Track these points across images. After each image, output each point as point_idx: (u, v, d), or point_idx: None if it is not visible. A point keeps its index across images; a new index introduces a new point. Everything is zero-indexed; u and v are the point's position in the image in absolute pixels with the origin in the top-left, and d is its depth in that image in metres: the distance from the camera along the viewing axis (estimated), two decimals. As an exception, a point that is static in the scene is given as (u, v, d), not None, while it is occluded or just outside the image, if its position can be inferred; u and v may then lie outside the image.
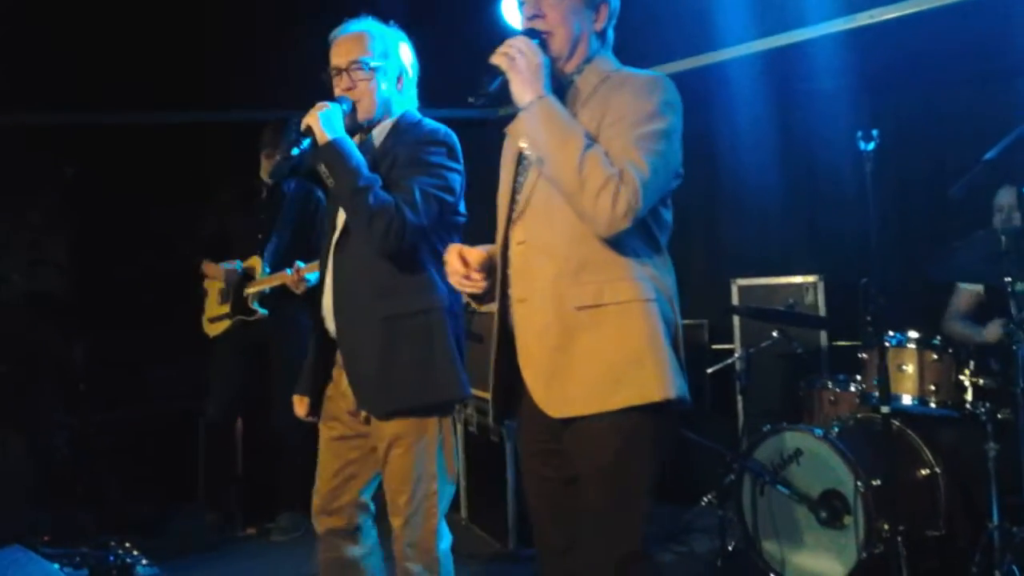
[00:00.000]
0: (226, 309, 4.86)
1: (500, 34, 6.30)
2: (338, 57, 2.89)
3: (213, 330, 4.95)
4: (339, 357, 2.93)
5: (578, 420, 2.22)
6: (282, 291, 4.57)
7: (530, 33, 2.30)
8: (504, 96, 2.25)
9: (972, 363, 3.76)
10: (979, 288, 4.27)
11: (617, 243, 2.21)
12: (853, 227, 4.58)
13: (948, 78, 4.52)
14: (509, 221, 2.37)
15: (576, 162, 2.14)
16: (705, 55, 5.02)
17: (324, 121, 2.77)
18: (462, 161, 2.88)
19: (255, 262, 4.80)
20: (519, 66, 2.22)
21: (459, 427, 5.06)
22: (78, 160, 5.60)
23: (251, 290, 4.74)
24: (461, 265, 2.36)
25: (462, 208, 2.92)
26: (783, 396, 4.65)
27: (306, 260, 4.43)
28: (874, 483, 3.59)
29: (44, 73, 5.36)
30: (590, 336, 2.22)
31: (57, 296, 5.78)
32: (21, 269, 5.89)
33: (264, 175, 4.94)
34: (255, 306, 4.73)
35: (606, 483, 2.22)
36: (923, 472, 3.79)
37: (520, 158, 2.41)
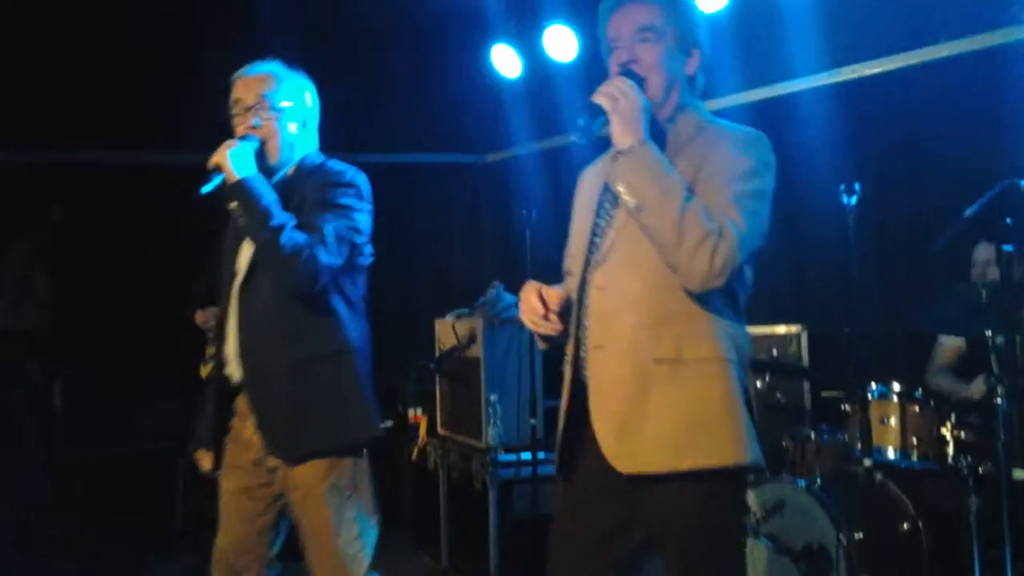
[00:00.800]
0: (212, 350, 4.84)
1: (492, 83, 6.37)
2: (245, 93, 2.85)
3: (204, 371, 4.92)
4: (240, 405, 2.85)
5: (650, 480, 2.16)
6: None
7: (628, 75, 2.24)
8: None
9: (953, 416, 3.77)
10: (961, 342, 4.29)
11: (702, 298, 2.17)
12: (837, 278, 4.61)
13: (931, 131, 4.57)
14: (588, 265, 2.31)
15: (677, 214, 2.08)
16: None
17: (235, 158, 2.70)
18: (370, 201, 2.85)
19: None
20: (621, 108, 2.16)
21: (441, 473, 5.04)
22: (68, 199, 5.62)
23: None
24: (540, 305, 2.26)
25: (369, 250, 2.89)
26: (767, 447, 4.63)
27: None
28: (857, 536, 3.57)
29: (35, 112, 5.38)
30: (666, 391, 2.16)
31: (39, 333, 5.76)
32: (4, 305, 5.88)
33: None
34: None
35: (687, 549, 2.17)
36: (905, 525, 3.77)
37: (600, 200, 2.37)
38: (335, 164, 2.88)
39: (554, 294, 2.29)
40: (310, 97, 2.95)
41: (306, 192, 2.79)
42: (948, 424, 3.76)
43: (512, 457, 4.59)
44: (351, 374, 2.76)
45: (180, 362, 5.01)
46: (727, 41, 4.96)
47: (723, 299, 2.21)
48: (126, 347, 5.58)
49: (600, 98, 2.17)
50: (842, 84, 4.72)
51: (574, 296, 2.35)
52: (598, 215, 2.38)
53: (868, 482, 3.67)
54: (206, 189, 2.70)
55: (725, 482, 2.16)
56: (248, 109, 2.83)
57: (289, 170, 2.89)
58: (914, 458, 3.78)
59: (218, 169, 2.70)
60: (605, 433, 2.20)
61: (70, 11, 5.08)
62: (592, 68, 5.28)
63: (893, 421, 3.83)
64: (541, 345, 2.48)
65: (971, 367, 4.16)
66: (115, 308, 5.67)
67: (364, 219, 2.82)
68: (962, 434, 3.73)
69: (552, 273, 2.54)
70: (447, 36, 5.66)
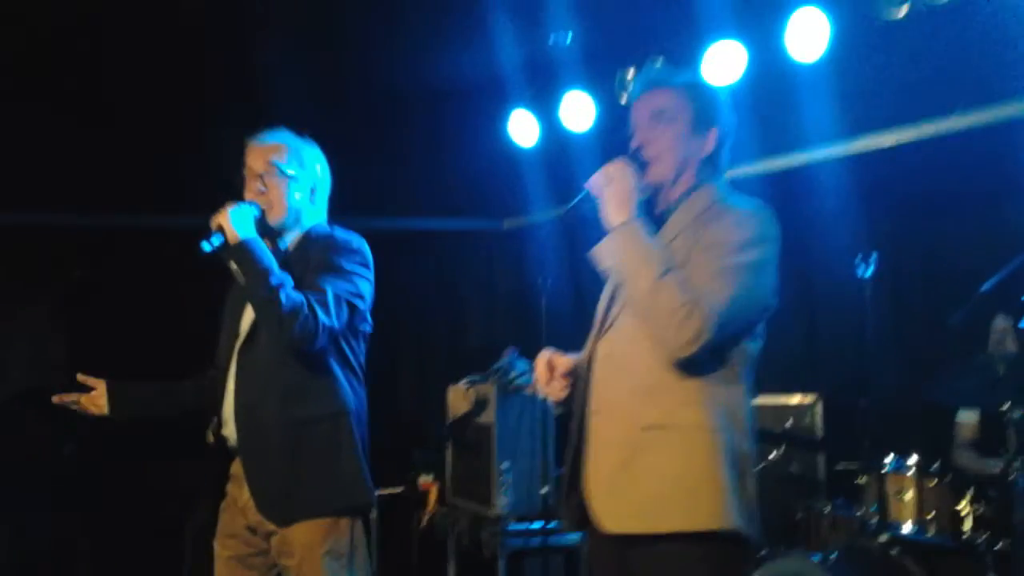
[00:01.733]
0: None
1: (508, 151, 6.41)
2: (255, 161, 2.92)
3: (210, 437, 4.90)
4: (235, 469, 2.87)
5: (629, 538, 2.25)
6: None
7: (634, 157, 2.39)
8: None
9: (971, 491, 3.71)
10: (975, 417, 4.25)
11: (694, 368, 2.23)
12: (852, 348, 4.57)
13: (947, 202, 4.57)
14: (599, 333, 2.43)
15: (650, 285, 2.20)
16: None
17: (235, 220, 2.76)
18: (372, 269, 2.90)
19: None
20: (613, 190, 2.31)
21: (450, 541, 4.99)
22: (86, 262, 5.67)
23: None
24: (547, 371, 2.43)
25: (369, 316, 2.92)
26: (781, 519, 4.56)
27: None
28: (872, 613, 3.50)
29: (55, 173, 5.45)
30: (653, 457, 2.25)
31: (53, 394, 5.77)
32: (21, 366, 5.90)
33: None
34: None
35: None
36: (923, 603, 3.70)
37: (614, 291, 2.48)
38: (340, 232, 2.94)
39: (562, 360, 2.44)
40: (320, 167, 3.02)
41: (312, 257, 2.84)
42: (966, 499, 3.70)
43: (523, 527, 4.54)
44: (347, 437, 2.78)
45: (194, 425, 4.99)
46: (742, 111, 4.98)
47: (717, 369, 2.27)
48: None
49: (593, 183, 2.35)
50: (857, 155, 4.72)
51: (584, 364, 2.45)
52: (617, 288, 2.46)
53: (884, 557, 3.60)
54: (206, 248, 2.77)
55: (708, 545, 2.20)
56: (257, 176, 2.90)
57: (295, 239, 2.95)
58: (931, 533, 3.71)
59: (220, 230, 2.76)
60: (595, 495, 2.32)
61: (83, 72, 5.17)
62: (609, 136, 5.36)
63: (909, 495, 3.77)
64: (555, 410, 2.59)
65: (991, 441, 4.11)
66: (129, 370, 5.69)
67: (365, 285, 2.86)
68: (980, 509, 3.67)
69: (567, 340, 2.59)
70: (465, 103, 5.71)
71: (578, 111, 5.47)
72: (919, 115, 4.49)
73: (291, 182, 2.91)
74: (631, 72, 5.21)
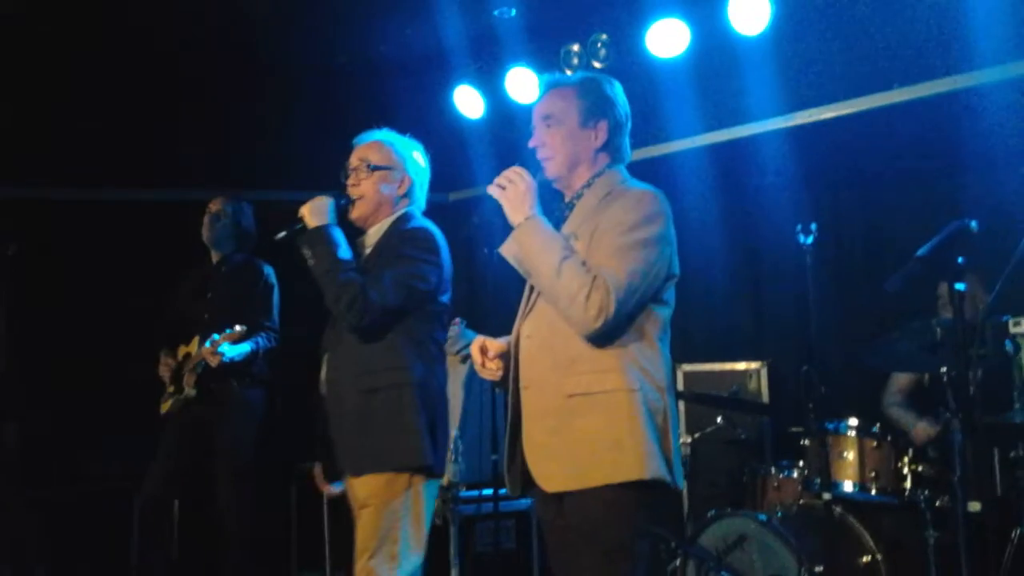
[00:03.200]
0: (171, 388, 4.80)
1: (454, 124, 6.38)
2: (352, 159, 3.30)
3: (163, 408, 4.86)
4: None
5: (568, 495, 2.50)
6: (225, 369, 4.53)
7: (527, 163, 2.71)
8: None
9: (911, 451, 3.85)
10: (909, 377, 4.39)
11: (606, 339, 2.48)
12: (796, 315, 4.69)
13: (886, 173, 4.70)
14: (523, 316, 2.67)
15: (554, 271, 2.47)
16: (653, 147, 5.18)
17: (315, 210, 3.15)
18: (441, 255, 3.20)
19: (195, 343, 4.72)
20: (508, 194, 2.60)
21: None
22: (21, 236, 5.55)
23: (186, 370, 4.68)
24: (480, 355, 2.69)
25: (444, 299, 3.23)
26: (728, 482, 4.68)
27: (252, 332, 4.47)
28: (817, 570, 3.62)
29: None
30: (581, 421, 2.49)
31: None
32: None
33: (209, 233, 4.90)
34: (191, 387, 4.65)
35: (591, 547, 2.47)
36: (865, 559, 3.83)
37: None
38: (414, 222, 3.25)
39: (494, 345, 2.71)
40: (415, 164, 3.36)
41: (385, 244, 3.20)
42: (905, 458, 3.84)
43: (474, 493, 4.59)
44: (409, 405, 3.06)
45: (137, 399, 4.95)
46: (685, 85, 5.08)
47: (630, 336, 2.52)
48: (81, 384, 5.51)
49: (491, 189, 2.64)
50: (798, 127, 4.83)
51: (512, 345, 2.70)
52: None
53: (828, 516, 3.73)
54: (280, 236, 3.19)
55: (632, 493, 2.44)
56: (353, 171, 3.28)
57: (383, 228, 3.27)
58: (873, 492, 3.85)
59: (301, 218, 3.16)
60: (533, 461, 2.56)
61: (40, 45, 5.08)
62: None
63: (851, 455, 3.90)
64: (496, 389, 2.96)
65: (925, 400, 4.26)
66: (68, 345, 5.61)
67: (429, 269, 3.15)
68: (919, 468, 3.81)
69: (512, 312, 2.75)
70: (410, 76, 5.70)
71: (523, 85, 5.49)
72: (859, 89, 4.60)
73: (380, 177, 3.26)
74: (575, 47, 5.27)
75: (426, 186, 3.42)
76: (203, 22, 5.04)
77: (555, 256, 2.48)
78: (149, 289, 5.18)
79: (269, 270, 4.89)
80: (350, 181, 3.27)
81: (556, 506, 2.56)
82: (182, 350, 4.75)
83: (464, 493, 4.60)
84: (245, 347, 4.57)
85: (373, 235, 3.28)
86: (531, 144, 2.73)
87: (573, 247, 2.53)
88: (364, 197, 3.25)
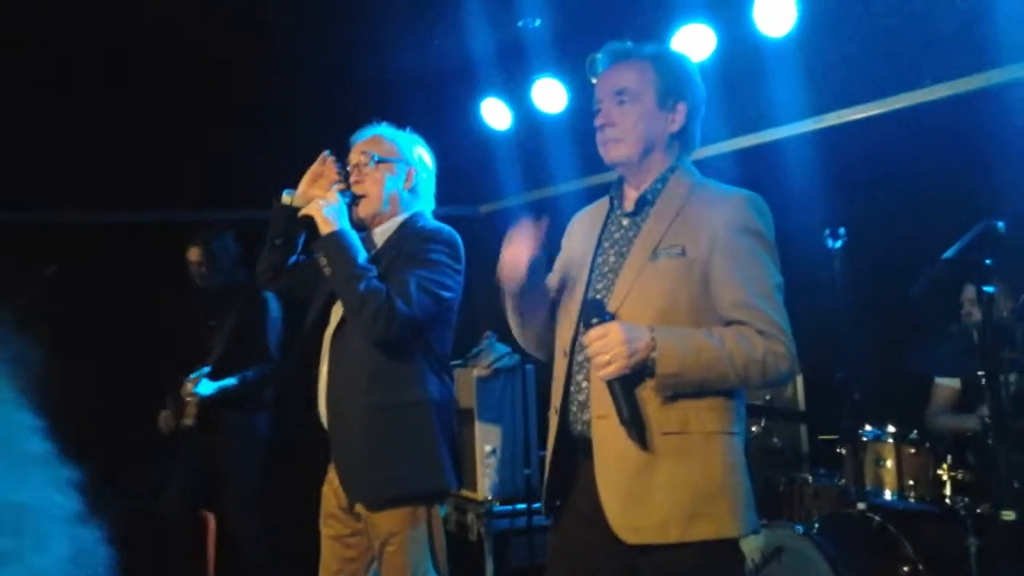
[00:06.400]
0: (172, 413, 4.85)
1: (483, 137, 6.38)
2: (353, 155, 3.05)
3: (161, 421, 4.90)
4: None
5: (655, 548, 2.20)
6: (218, 399, 4.56)
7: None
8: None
9: (950, 457, 3.77)
10: (956, 382, 4.30)
11: None
12: (828, 321, 4.62)
13: (915, 174, 4.63)
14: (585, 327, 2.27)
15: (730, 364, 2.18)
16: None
17: (328, 212, 2.87)
18: (463, 262, 2.96)
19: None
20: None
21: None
22: (59, 258, 5.62)
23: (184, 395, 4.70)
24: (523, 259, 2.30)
25: (455, 308, 2.99)
26: (764, 491, 4.62)
27: (250, 363, 4.45)
28: (856, 580, 3.56)
29: (26, 172, 5.40)
30: (672, 464, 2.20)
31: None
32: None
33: (197, 276, 4.91)
34: (191, 418, 4.66)
35: None
36: (905, 569, 3.75)
37: (597, 252, 2.41)
38: (432, 223, 3.01)
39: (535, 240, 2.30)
40: (419, 157, 3.10)
41: (402, 247, 2.92)
42: (944, 465, 3.76)
43: (508, 508, 4.57)
44: (427, 425, 2.85)
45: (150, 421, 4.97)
46: (712, 90, 5.02)
47: None
48: (111, 405, 5.57)
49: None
50: (825, 130, 4.77)
51: (566, 349, 2.37)
52: (593, 268, 2.41)
53: (865, 525, 3.66)
54: (280, 241, 3.06)
55: (729, 552, 2.22)
56: (355, 167, 3.01)
57: (392, 228, 3.02)
58: (911, 499, 3.77)
59: (309, 222, 2.91)
60: (612, 505, 2.22)
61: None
62: (581, 119, 5.37)
63: (889, 463, 3.83)
64: (509, 286, 2.39)
65: (970, 407, 4.17)
66: (106, 363, 5.66)
67: (452, 276, 2.91)
68: (959, 475, 3.73)
69: None
70: (437, 91, 5.71)
71: (550, 95, 5.48)
72: (887, 89, 4.53)
73: (385, 172, 3.01)
74: (600, 53, 5.23)
75: (433, 183, 3.16)
76: (225, 35, 5.07)
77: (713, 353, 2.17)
78: (179, 310, 5.21)
79: (269, 296, 4.85)
80: (353, 178, 3.01)
81: (624, 557, 2.24)
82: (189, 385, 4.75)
83: (498, 508, 4.58)
84: (227, 382, 4.57)
85: (380, 235, 3.03)
86: (598, 122, 2.37)
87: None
88: (370, 194, 3.00)
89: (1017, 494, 2.75)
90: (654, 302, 2.26)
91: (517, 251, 2.30)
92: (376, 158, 3.00)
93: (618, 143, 2.35)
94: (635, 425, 2.18)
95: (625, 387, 2.18)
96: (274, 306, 4.85)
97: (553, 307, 2.48)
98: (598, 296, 2.33)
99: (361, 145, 3.06)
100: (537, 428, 4.60)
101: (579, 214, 2.60)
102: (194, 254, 4.85)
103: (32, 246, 5.56)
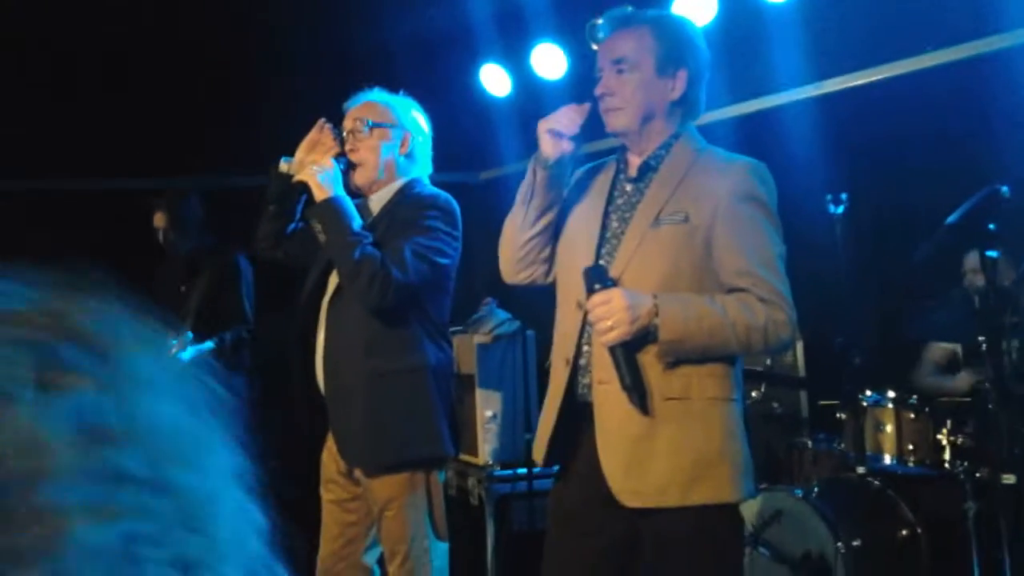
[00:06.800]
0: None
1: (482, 103, 6.34)
2: (347, 122, 3.01)
3: None
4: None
5: (656, 512, 2.25)
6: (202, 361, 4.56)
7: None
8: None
9: (949, 422, 3.79)
10: (954, 346, 4.31)
11: None
12: (829, 287, 4.63)
13: (918, 140, 4.60)
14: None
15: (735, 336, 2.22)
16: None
17: (323, 178, 2.82)
18: (460, 228, 2.95)
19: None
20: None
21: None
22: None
23: None
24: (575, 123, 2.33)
25: (453, 275, 2.98)
26: (764, 456, 4.64)
27: (227, 327, 4.46)
28: (855, 544, 3.58)
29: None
30: (674, 429, 2.23)
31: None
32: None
33: (165, 241, 4.87)
34: None
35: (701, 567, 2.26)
36: (904, 532, 3.78)
37: (606, 213, 2.41)
38: (431, 189, 2.99)
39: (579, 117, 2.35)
40: (415, 122, 3.06)
41: (397, 213, 2.91)
42: (944, 430, 3.78)
43: (508, 472, 4.60)
44: (425, 391, 2.86)
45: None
46: (712, 56, 5.00)
47: None
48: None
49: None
50: (827, 96, 4.75)
51: (581, 301, 2.34)
52: (604, 227, 2.41)
53: (864, 489, 3.69)
54: (273, 206, 3.00)
55: (730, 515, 2.30)
56: (349, 134, 2.97)
57: (389, 194, 3.00)
58: (911, 464, 3.79)
59: (304, 188, 2.89)
60: (613, 470, 2.25)
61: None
62: (581, 85, 5.34)
63: (889, 428, 3.84)
64: (546, 162, 2.40)
65: (958, 371, 4.19)
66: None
67: (449, 242, 2.89)
68: (958, 439, 3.75)
69: (545, 292, 2.57)
70: (436, 57, 5.68)
71: (550, 61, 5.45)
72: (889, 55, 4.51)
73: (380, 138, 2.98)
74: (601, 21, 5.19)
75: (429, 148, 3.12)
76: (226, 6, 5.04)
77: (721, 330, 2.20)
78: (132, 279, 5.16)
79: (241, 259, 4.83)
80: (348, 146, 2.96)
81: (625, 521, 2.29)
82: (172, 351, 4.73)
83: (498, 472, 4.61)
84: (206, 345, 4.56)
85: (376, 202, 3.01)
86: (597, 91, 2.36)
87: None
88: (366, 161, 2.96)
89: (1017, 458, 2.77)
90: (656, 269, 2.27)
91: (569, 115, 2.32)
92: (370, 124, 2.97)
93: (617, 112, 2.35)
94: (637, 391, 2.20)
95: (627, 353, 2.20)
96: (246, 268, 4.83)
97: (549, 240, 2.49)
98: (601, 262, 2.33)
99: (355, 111, 3.02)
100: (538, 393, 4.60)
101: (584, 168, 2.59)
102: (160, 220, 4.81)
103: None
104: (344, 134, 2.99)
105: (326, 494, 3.04)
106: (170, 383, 0.62)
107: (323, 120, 3.04)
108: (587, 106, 2.35)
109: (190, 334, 4.46)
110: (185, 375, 0.65)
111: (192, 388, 0.64)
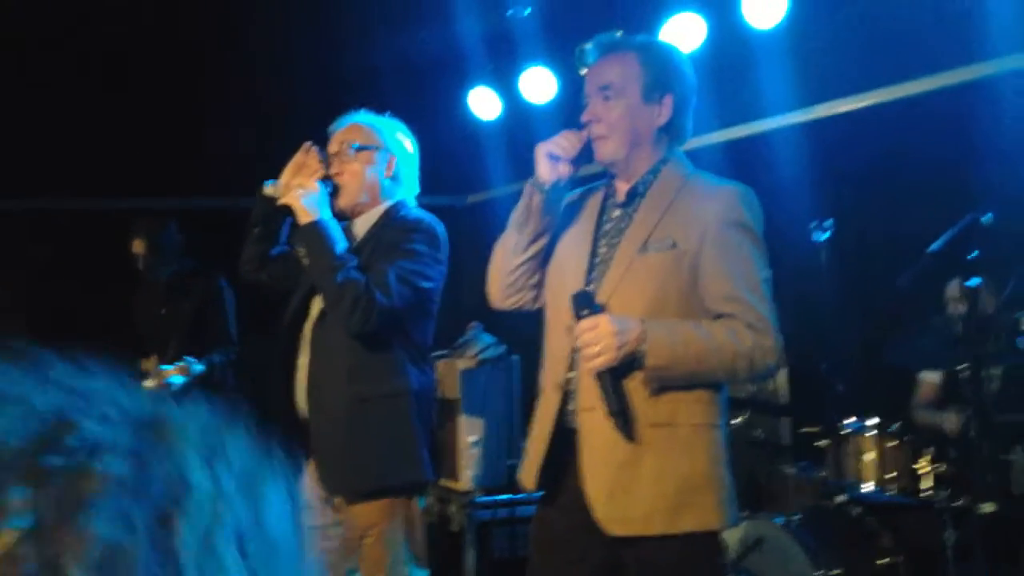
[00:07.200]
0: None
1: (470, 126, 6.35)
2: (332, 145, 2.99)
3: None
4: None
5: (640, 540, 2.23)
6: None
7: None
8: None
9: (931, 450, 3.77)
10: (938, 376, 4.30)
11: None
12: (813, 313, 4.62)
13: (903, 167, 4.61)
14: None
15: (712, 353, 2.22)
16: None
17: (307, 201, 2.81)
18: (445, 252, 2.92)
19: (151, 362, 4.64)
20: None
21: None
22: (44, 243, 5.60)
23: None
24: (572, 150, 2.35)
25: (438, 299, 2.96)
26: (746, 483, 4.62)
27: (212, 350, 4.44)
28: (835, 572, 3.55)
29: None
30: (659, 456, 2.22)
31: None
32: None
33: (145, 267, 4.86)
34: None
35: None
36: (884, 560, 3.75)
37: (591, 264, 2.39)
38: (413, 212, 2.96)
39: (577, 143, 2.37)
40: (400, 144, 3.05)
41: (382, 236, 2.88)
42: (925, 458, 3.75)
43: (490, 499, 4.56)
44: (406, 417, 2.83)
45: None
46: (700, 81, 5.02)
47: None
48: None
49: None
50: (814, 122, 4.76)
51: (564, 336, 2.34)
52: (594, 252, 2.40)
53: (845, 517, 3.66)
54: (257, 229, 2.98)
55: (712, 543, 2.29)
56: (335, 156, 2.95)
57: (374, 217, 2.97)
58: (892, 492, 3.77)
59: (288, 211, 2.86)
60: (597, 496, 2.23)
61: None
62: (571, 109, 5.35)
63: (870, 456, 3.82)
64: (543, 187, 2.38)
65: (950, 401, 4.17)
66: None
67: (433, 266, 2.88)
68: (940, 468, 3.72)
69: (531, 315, 2.56)
70: (426, 80, 5.69)
71: (539, 85, 5.46)
72: (875, 81, 4.52)
73: (365, 160, 2.96)
74: (588, 45, 5.21)
75: (415, 170, 3.10)
76: (221, 25, 5.04)
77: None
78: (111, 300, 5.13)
79: (222, 281, 4.82)
80: (333, 169, 2.93)
81: (608, 548, 2.26)
82: (142, 365, 4.70)
83: (480, 499, 4.57)
84: (197, 368, 4.53)
85: (362, 224, 2.99)
86: (584, 118, 2.36)
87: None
88: (350, 184, 2.94)
89: (997, 487, 2.75)
90: (643, 294, 2.27)
91: (568, 139, 2.33)
92: (356, 146, 2.95)
93: (605, 140, 2.35)
94: (622, 417, 2.18)
95: (614, 379, 2.19)
96: (228, 292, 4.82)
97: (540, 266, 2.48)
98: (589, 288, 2.33)
99: (340, 134, 3.01)
100: (522, 419, 4.58)
101: (574, 192, 2.57)
102: (138, 246, 4.80)
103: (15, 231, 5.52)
104: (329, 156, 2.98)
105: (306, 519, 3.01)
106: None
107: (309, 143, 3.02)
108: (585, 132, 2.36)
109: (194, 363, 4.41)
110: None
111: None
